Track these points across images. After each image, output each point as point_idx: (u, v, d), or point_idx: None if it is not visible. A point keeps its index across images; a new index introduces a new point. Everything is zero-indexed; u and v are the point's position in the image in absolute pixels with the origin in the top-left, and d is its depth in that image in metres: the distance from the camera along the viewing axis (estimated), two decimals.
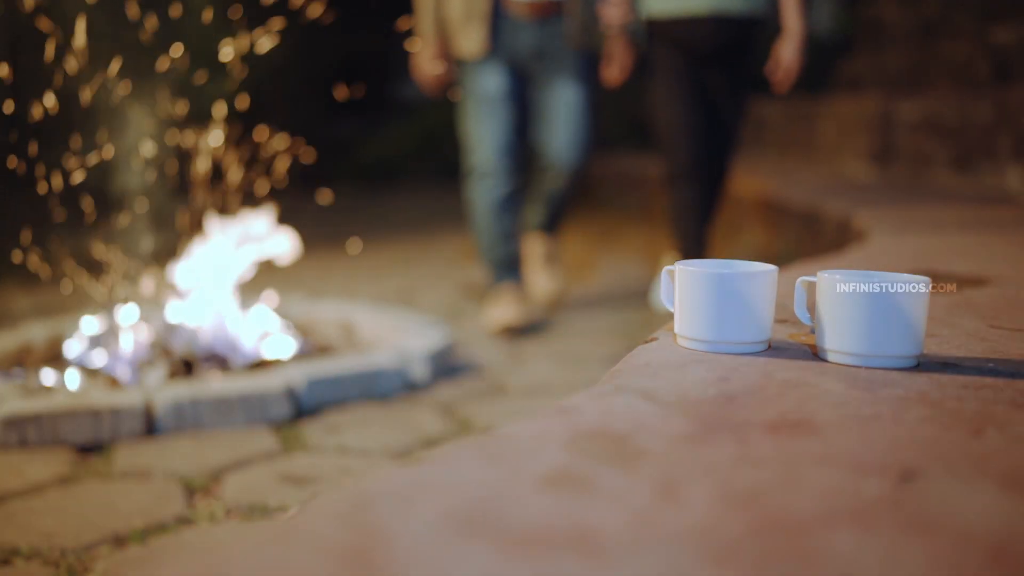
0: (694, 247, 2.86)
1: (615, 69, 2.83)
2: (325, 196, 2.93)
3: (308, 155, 2.62)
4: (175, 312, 2.25)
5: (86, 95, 2.24)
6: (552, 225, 3.17)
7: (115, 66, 2.19)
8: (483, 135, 2.85)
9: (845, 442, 0.69)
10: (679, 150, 2.84)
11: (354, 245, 3.11)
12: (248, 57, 2.36)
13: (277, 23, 2.34)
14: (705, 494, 0.58)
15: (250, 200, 2.42)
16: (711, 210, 2.94)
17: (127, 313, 2.24)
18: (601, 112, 2.88)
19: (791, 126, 5.48)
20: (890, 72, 4.92)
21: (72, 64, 2.16)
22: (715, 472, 0.62)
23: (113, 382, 2.03)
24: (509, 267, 2.91)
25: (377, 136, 8.27)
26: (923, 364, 0.91)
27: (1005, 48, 3.80)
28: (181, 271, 2.32)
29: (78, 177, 2.26)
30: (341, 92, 2.82)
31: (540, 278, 3.13)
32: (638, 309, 3.08)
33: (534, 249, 3.16)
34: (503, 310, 2.76)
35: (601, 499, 0.57)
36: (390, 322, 2.58)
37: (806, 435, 0.70)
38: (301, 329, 2.50)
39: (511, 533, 0.52)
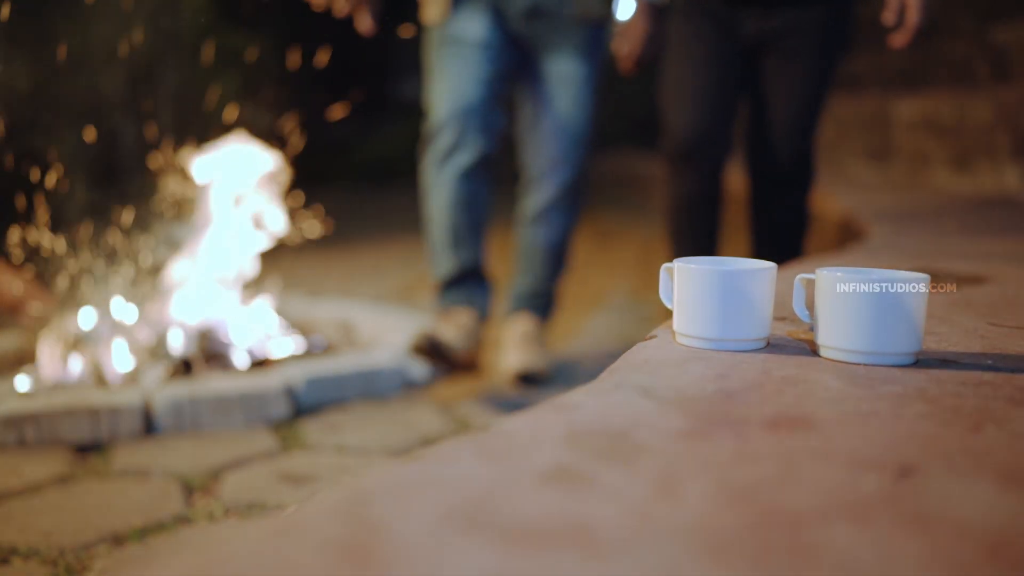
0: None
1: (630, 46, 2.10)
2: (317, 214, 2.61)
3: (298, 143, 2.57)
4: (174, 310, 2.25)
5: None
6: (542, 305, 2.32)
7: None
8: (446, 87, 2.12)
9: (843, 438, 0.69)
10: (680, 119, 2.11)
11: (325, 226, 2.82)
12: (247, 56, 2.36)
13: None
14: (703, 490, 0.58)
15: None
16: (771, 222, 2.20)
17: (126, 311, 2.24)
18: (601, 105, 2.28)
19: None
20: (889, 71, 4.92)
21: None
22: (713, 468, 0.62)
23: (104, 380, 2.03)
24: (469, 277, 2.18)
25: (376, 136, 8.27)
26: (922, 361, 0.91)
27: (1004, 48, 3.80)
28: (181, 267, 2.32)
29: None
30: (335, 109, 2.73)
31: (511, 353, 2.23)
32: (637, 309, 3.08)
33: (513, 330, 2.29)
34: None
35: (599, 495, 0.57)
36: (389, 321, 2.58)
37: (804, 431, 0.70)
38: (300, 328, 2.50)
39: (509, 529, 0.52)
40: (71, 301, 2.30)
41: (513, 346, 2.23)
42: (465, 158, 2.10)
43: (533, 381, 2.14)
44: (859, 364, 0.90)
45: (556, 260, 2.31)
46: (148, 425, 1.86)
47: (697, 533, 0.52)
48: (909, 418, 0.73)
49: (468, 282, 2.19)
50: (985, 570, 0.49)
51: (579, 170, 2.24)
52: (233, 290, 2.33)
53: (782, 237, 2.18)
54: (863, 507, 0.56)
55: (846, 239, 2.77)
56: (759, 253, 2.10)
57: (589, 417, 0.73)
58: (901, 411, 0.75)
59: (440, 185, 2.12)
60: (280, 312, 2.43)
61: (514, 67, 2.20)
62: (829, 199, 3.41)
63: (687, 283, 0.96)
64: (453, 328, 2.09)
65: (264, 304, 2.38)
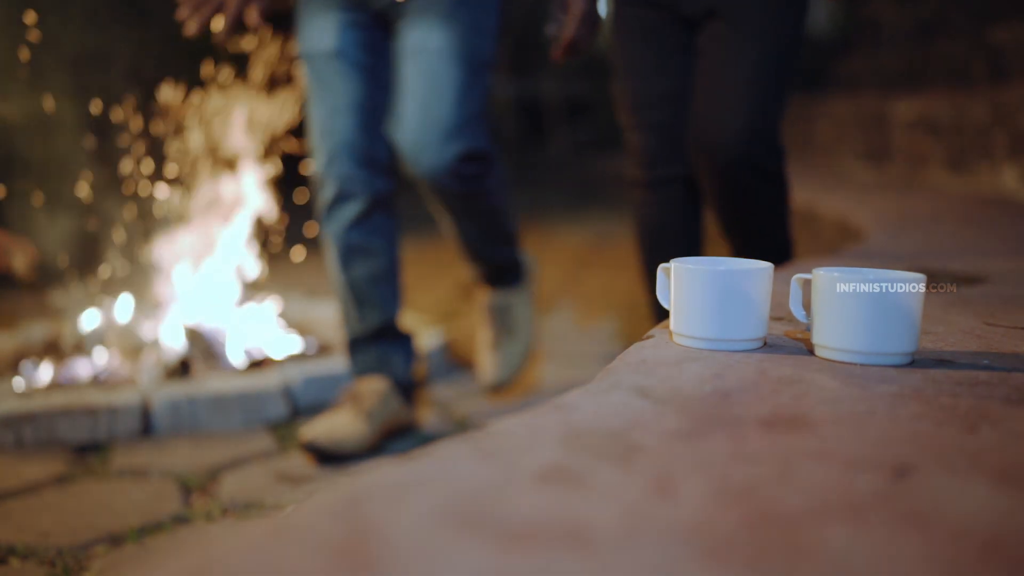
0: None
1: (560, 28, 1.67)
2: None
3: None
4: (172, 311, 2.25)
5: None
6: (491, 273, 2.07)
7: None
8: (315, 125, 1.81)
9: (839, 438, 0.69)
10: (641, 136, 1.80)
11: (299, 253, 2.75)
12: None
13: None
14: (699, 490, 0.58)
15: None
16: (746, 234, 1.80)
17: (124, 311, 2.24)
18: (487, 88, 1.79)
19: (788, 125, 5.47)
20: (886, 72, 4.93)
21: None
22: (709, 468, 0.62)
23: (105, 381, 2.03)
24: (379, 337, 1.88)
25: None
26: (918, 361, 0.91)
27: (1001, 48, 3.81)
28: (180, 269, 2.32)
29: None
30: None
31: (485, 358, 2.07)
32: (636, 309, 3.08)
33: (480, 307, 2.14)
34: (323, 420, 1.77)
35: (595, 495, 0.58)
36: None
37: (800, 431, 0.70)
38: (299, 328, 2.50)
39: (505, 529, 0.52)
40: (70, 302, 2.30)
41: (484, 353, 2.07)
42: (352, 209, 1.80)
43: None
44: (855, 364, 0.90)
45: (484, 238, 1.97)
46: (146, 425, 1.86)
47: (693, 533, 0.52)
48: (905, 418, 0.74)
49: (379, 344, 1.87)
50: (981, 570, 0.49)
51: (444, 167, 1.71)
52: (231, 290, 2.33)
53: (752, 231, 1.79)
54: (859, 507, 0.56)
55: (843, 239, 2.77)
56: (736, 252, 1.82)
57: (585, 417, 0.73)
58: (897, 411, 0.75)
59: (331, 242, 1.84)
60: (278, 312, 2.43)
61: (388, 59, 1.80)
62: (826, 199, 3.42)
63: (684, 283, 0.96)
64: (348, 417, 1.74)
65: (262, 304, 2.38)
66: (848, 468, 0.62)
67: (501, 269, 2.06)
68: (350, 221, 1.81)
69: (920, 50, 4.60)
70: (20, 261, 2.31)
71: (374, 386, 1.83)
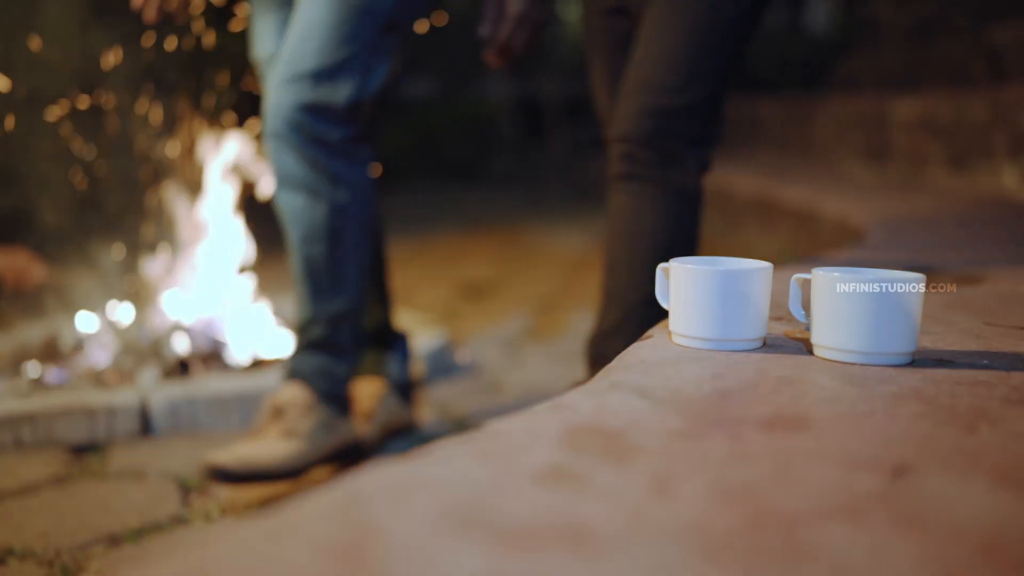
0: (633, 311, 1.45)
1: (492, 29, 1.56)
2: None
3: None
4: (171, 311, 2.25)
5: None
6: (304, 340, 1.63)
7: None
8: None
9: (838, 438, 0.69)
10: (606, 127, 1.61)
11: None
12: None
13: None
14: (698, 490, 0.58)
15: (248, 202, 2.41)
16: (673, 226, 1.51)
17: (123, 312, 2.24)
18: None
19: (787, 125, 5.49)
20: (886, 71, 4.93)
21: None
22: (708, 468, 0.62)
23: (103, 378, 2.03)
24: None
25: (374, 135, 8.26)
26: (918, 361, 0.91)
27: (1001, 47, 3.81)
28: (179, 269, 2.32)
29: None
30: None
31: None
32: None
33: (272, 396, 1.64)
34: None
35: (594, 495, 0.57)
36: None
37: (800, 431, 0.70)
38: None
39: (504, 529, 0.52)
40: (69, 302, 2.30)
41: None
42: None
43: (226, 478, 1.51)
44: (855, 364, 0.90)
45: (315, 261, 1.61)
46: (145, 425, 1.86)
47: (692, 533, 0.52)
48: (904, 418, 0.74)
49: (373, 346, 1.81)
50: (979, 570, 0.49)
51: (283, 113, 1.53)
52: (230, 290, 2.33)
53: (654, 232, 1.49)
54: (858, 507, 0.56)
55: (843, 239, 2.77)
56: (611, 258, 1.52)
57: (584, 417, 0.73)
58: (896, 411, 0.75)
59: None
60: (276, 312, 2.43)
61: None
62: (826, 199, 3.42)
63: (683, 283, 0.96)
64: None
65: (261, 304, 2.38)
66: (847, 468, 0.62)
67: (322, 342, 1.60)
68: None
69: (920, 50, 4.61)
70: (35, 280, 2.32)
71: (372, 389, 1.83)
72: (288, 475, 1.52)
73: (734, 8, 1.48)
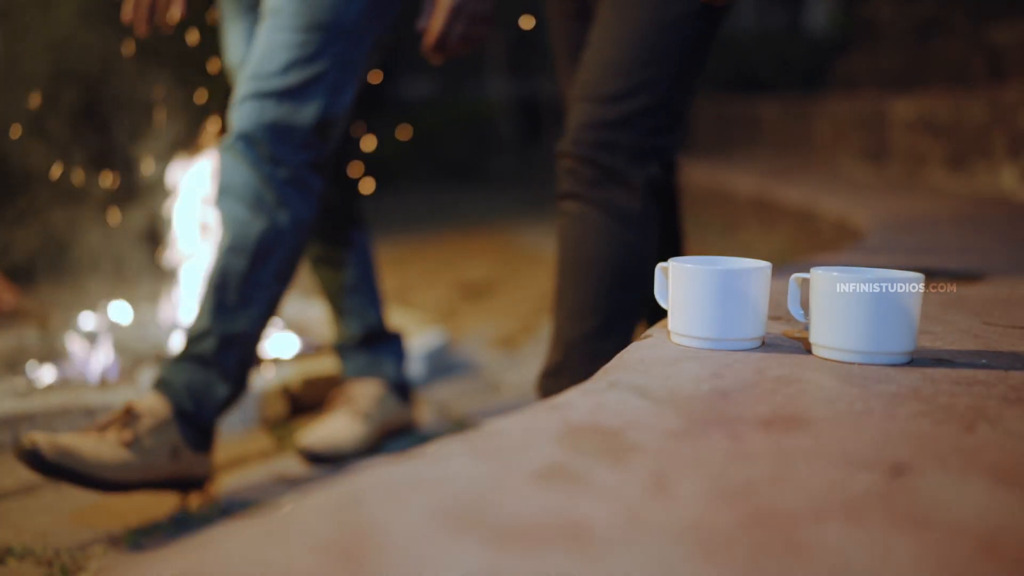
0: (583, 340, 1.36)
1: (428, 23, 1.53)
2: None
3: None
4: (170, 311, 2.25)
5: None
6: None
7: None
8: None
9: (837, 437, 0.69)
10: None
11: None
12: None
13: None
14: (696, 489, 0.58)
15: None
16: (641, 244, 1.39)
17: (122, 311, 2.24)
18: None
19: (786, 125, 5.49)
20: (886, 71, 4.93)
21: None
22: (706, 467, 0.62)
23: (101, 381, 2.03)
24: (359, 353, 1.90)
25: (374, 136, 8.27)
26: (916, 360, 0.91)
27: (1000, 47, 3.81)
28: (180, 269, 2.32)
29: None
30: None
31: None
32: None
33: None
34: (320, 424, 1.78)
35: (592, 494, 0.57)
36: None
37: (798, 430, 0.70)
38: (298, 328, 2.50)
39: (502, 528, 0.52)
40: (68, 301, 2.29)
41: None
42: None
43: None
44: (853, 363, 0.90)
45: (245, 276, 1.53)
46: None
47: (690, 533, 0.52)
48: (903, 417, 0.74)
49: (369, 348, 1.87)
50: (978, 569, 0.49)
51: (244, 130, 1.50)
52: None
53: (596, 260, 1.37)
54: (856, 506, 0.56)
55: (842, 239, 2.77)
56: (557, 287, 1.41)
57: (582, 416, 0.73)
58: (895, 410, 0.75)
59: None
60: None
61: None
62: (825, 199, 3.42)
63: (682, 282, 0.96)
64: (345, 420, 1.69)
65: None
66: (845, 467, 0.62)
67: (208, 358, 1.50)
68: None
69: (919, 50, 4.61)
70: (15, 303, 2.32)
71: (369, 389, 1.83)
72: (105, 485, 1.37)
73: (683, 6, 1.34)
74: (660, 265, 1.03)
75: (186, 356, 1.49)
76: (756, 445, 0.67)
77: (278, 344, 2.26)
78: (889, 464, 0.62)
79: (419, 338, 2.35)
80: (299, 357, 2.25)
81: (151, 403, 1.45)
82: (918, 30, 4.77)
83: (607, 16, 1.39)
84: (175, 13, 1.52)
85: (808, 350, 0.95)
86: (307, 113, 1.49)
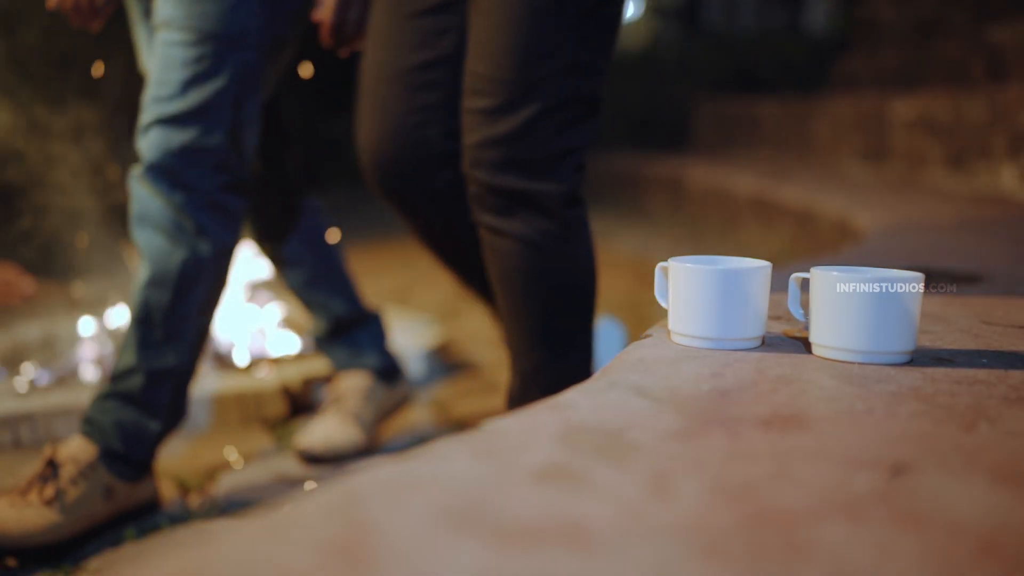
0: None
1: (325, 11, 1.46)
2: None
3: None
4: None
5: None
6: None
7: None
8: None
9: (837, 437, 0.69)
10: (364, 125, 1.39)
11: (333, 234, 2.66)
12: None
13: None
14: (697, 489, 0.58)
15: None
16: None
17: (121, 314, 2.24)
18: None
19: (786, 125, 5.49)
20: (885, 71, 4.93)
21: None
22: (707, 467, 0.62)
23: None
24: (337, 344, 1.92)
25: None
26: (916, 360, 0.91)
27: (1000, 47, 3.81)
28: None
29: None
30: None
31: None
32: (636, 309, 3.08)
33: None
34: (315, 426, 1.76)
35: (592, 494, 0.57)
36: (385, 321, 2.58)
37: (798, 430, 0.70)
38: (298, 328, 2.50)
39: (502, 527, 0.52)
40: (67, 299, 2.29)
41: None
42: None
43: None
44: (854, 363, 0.90)
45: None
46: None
47: (691, 532, 0.52)
48: (903, 417, 0.74)
49: (345, 338, 1.86)
50: (978, 569, 0.49)
51: (147, 158, 1.44)
52: (230, 290, 2.33)
53: (527, 297, 1.29)
54: (857, 506, 0.56)
55: (842, 239, 2.77)
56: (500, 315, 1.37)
57: (583, 416, 0.73)
58: (895, 410, 0.75)
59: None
60: (276, 311, 2.43)
61: None
62: (825, 199, 3.42)
63: (682, 282, 0.96)
64: (337, 421, 1.70)
65: (260, 303, 2.38)
66: (846, 467, 0.62)
67: (136, 395, 1.44)
68: None
69: (919, 50, 4.61)
70: (24, 294, 2.32)
71: (355, 383, 1.82)
72: (38, 552, 1.31)
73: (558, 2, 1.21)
74: (660, 265, 1.03)
75: (112, 393, 1.43)
76: (756, 445, 0.67)
77: (278, 344, 2.26)
78: (889, 464, 0.62)
79: (419, 338, 2.35)
80: (299, 357, 2.25)
81: (74, 449, 1.39)
82: (918, 30, 4.77)
83: (479, 17, 1.26)
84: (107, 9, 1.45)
85: (808, 350, 0.95)
86: (214, 134, 1.42)
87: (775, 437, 0.68)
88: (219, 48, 1.42)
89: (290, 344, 2.30)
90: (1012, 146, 3.17)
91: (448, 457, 0.64)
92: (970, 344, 0.99)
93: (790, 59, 6.50)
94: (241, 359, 2.16)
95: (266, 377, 2.01)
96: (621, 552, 0.50)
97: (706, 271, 0.95)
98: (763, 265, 0.97)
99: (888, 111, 4.13)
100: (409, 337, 2.35)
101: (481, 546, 0.50)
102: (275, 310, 2.41)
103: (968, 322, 1.10)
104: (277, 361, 2.18)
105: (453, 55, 1.32)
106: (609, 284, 3.58)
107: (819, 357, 0.93)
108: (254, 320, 2.30)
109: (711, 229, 4.41)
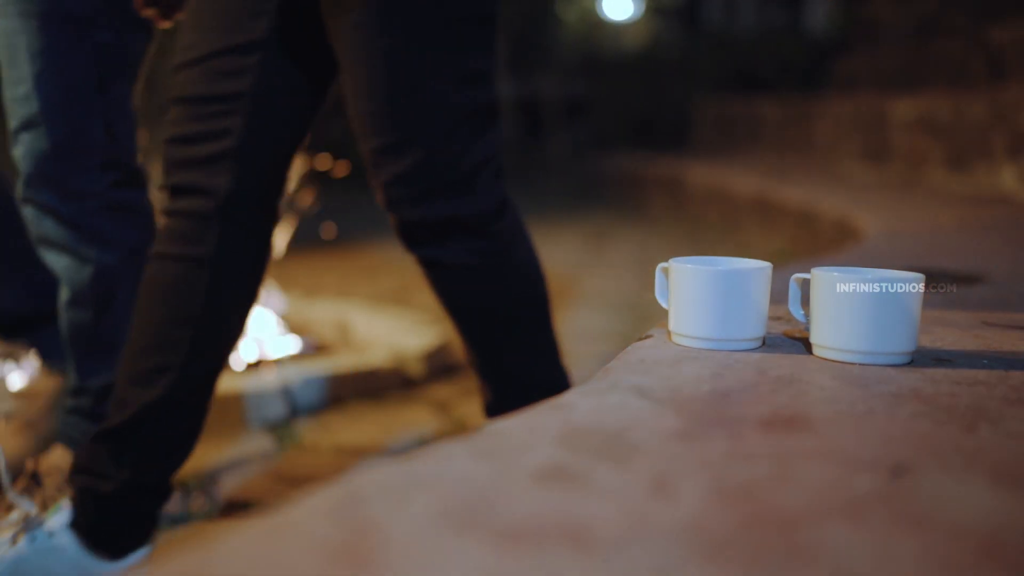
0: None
1: None
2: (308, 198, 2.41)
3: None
4: None
5: None
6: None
7: None
8: None
9: (838, 438, 0.69)
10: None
11: (329, 230, 2.63)
12: None
13: None
14: (697, 490, 0.58)
15: None
16: None
17: None
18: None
19: (787, 125, 5.49)
20: (885, 71, 4.93)
21: None
22: (707, 468, 0.62)
23: None
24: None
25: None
26: (917, 360, 0.91)
27: (1000, 47, 3.81)
28: None
29: None
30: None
31: None
32: (636, 309, 3.08)
33: None
34: None
35: (593, 494, 0.57)
36: (385, 321, 2.58)
37: (799, 431, 0.70)
38: (298, 328, 2.50)
39: (503, 528, 0.52)
40: None
41: None
42: None
43: None
44: (854, 364, 0.90)
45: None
46: None
47: (691, 533, 0.52)
48: (904, 418, 0.73)
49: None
50: (979, 570, 0.49)
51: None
52: None
53: (484, 327, 1.29)
54: (857, 507, 0.56)
55: (842, 239, 2.77)
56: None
57: (583, 417, 0.73)
58: (896, 410, 0.75)
59: None
60: (277, 312, 2.43)
61: None
62: (826, 199, 3.42)
63: (683, 283, 0.96)
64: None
65: (261, 304, 2.38)
66: (846, 468, 0.62)
67: (89, 412, 1.39)
68: None
69: (919, 50, 4.61)
70: None
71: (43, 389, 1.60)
72: None
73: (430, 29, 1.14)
74: (660, 265, 1.03)
75: (72, 409, 1.41)
76: (757, 445, 0.67)
77: (278, 344, 2.26)
78: (890, 465, 0.62)
79: (419, 338, 2.35)
80: (299, 357, 2.25)
81: (55, 458, 1.35)
82: (918, 30, 4.77)
83: (343, 33, 1.16)
84: None
85: (809, 350, 0.95)
86: (88, 130, 1.31)
87: (776, 438, 0.68)
88: (68, 32, 1.29)
89: (290, 345, 2.30)
90: (1012, 146, 3.17)
91: (449, 457, 0.64)
92: (970, 345, 0.99)
93: (790, 59, 6.51)
94: (241, 360, 2.16)
95: (266, 377, 2.01)
96: (622, 553, 0.50)
97: (707, 272, 0.95)
98: (763, 266, 0.97)
99: (888, 111, 4.13)
100: (409, 337, 2.35)
101: (482, 547, 0.50)
102: (275, 311, 2.41)
103: (968, 323, 1.10)
104: (277, 361, 2.18)
105: (267, 40, 1.18)
106: (609, 284, 3.58)
107: (819, 358, 0.93)
108: (254, 322, 2.30)
109: (711, 229, 4.41)
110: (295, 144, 1.26)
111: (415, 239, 1.23)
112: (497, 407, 1.30)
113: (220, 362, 1.26)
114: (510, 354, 1.29)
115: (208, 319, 1.21)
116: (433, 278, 1.26)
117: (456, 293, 1.26)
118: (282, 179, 1.27)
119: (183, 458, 1.27)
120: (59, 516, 1.21)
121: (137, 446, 1.20)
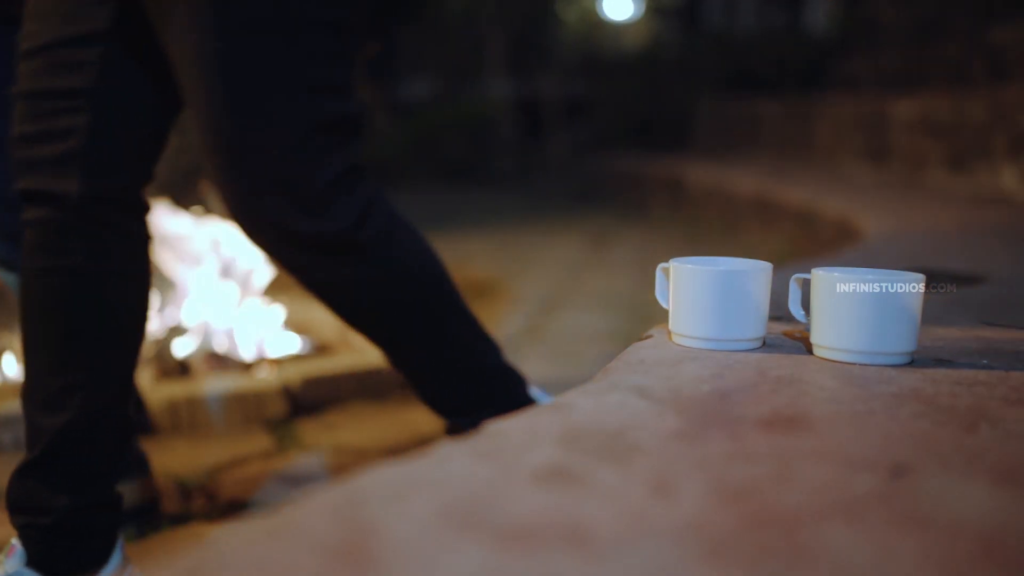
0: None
1: None
2: None
3: None
4: (171, 311, 2.25)
5: None
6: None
7: None
8: None
9: (838, 438, 0.69)
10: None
11: None
12: None
13: None
14: (698, 490, 0.58)
15: None
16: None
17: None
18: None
19: (787, 125, 5.49)
20: (886, 72, 4.93)
21: None
22: (708, 468, 0.62)
23: None
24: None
25: (375, 136, 8.28)
26: (917, 361, 0.91)
27: (1000, 48, 3.81)
28: (179, 270, 2.32)
29: None
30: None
31: None
32: (636, 309, 3.08)
33: None
34: None
35: (593, 495, 0.57)
36: None
37: (799, 431, 0.70)
38: (298, 328, 2.50)
39: (503, 528, 0.52)
40: None
41: None
42: None
43: None
44: (854, 364, 0.90)
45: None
46: (145, 425, 1.86)
47: (692, 533, 0.52)
48: (904, 418, 0.73)
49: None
50: (979, 570, 0.49)
51: None
52: (231, 290, 2.33)
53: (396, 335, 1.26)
54: (858, 507, 0.56)
55: (842, 239, 2.77)
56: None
57: (584, 417, 0.73)
58: (896, 411, 0.75)
59: None
60: (277, 312, 2.43)
61: None
62: (826, 199, 3.42)
63: (683, 283, 0.96)
64: None
65: (261, 304, 2.38)
66: (847, 468, 0.62)
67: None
68: None
69: (920, 50, 4.61)
70: None
71: None
72: None
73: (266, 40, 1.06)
74: (661, 265, 1.03)
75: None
76: (757, 446, 0.67)
77: (278, 343, 2.26)
78: (890, 465, 0.62)
79: None
80: (299, 357, 2.25)
81: None
82: (918, 30, 4.77)
83: (177, 48, 1.08)
84: None
85: (809, 350, 0.95)
86: None
87: (776, 438, 0.68)
88: None
89: (290, 345, 2.30)
90: (1013, 146, 3.17)
91: (449, 458, 0.64)
92: (971, 345, 0.99)
93: (790, 59, 6.51)
94: (242, 360, 2.17)
95: (266, 377, 2.01)
96: (622, 553, 0.50)
97: (707, 272, 0.95)
98: (764, 266, 0.97)
99: (889, 111, 4.13)
100: None
101: (482, 547, 0.50)
102: (275, 311, 2.41)
103: (969, 323, 1.10)
104: (277, 361, 2.18)
105: (109, 31, 1.08)
106: (610, 284, 3.58)
107: (820, 358, 0.93)
108: (255, 321, 2.30)
109: (712, 229, 4.41)
110: (156, 140, 1.16)
111: (278, 257, 1.15)
112: (444, 405, 1.26)
113: (130, 366, 1.18)
114: (423, 348, 1.22)
115: (102, 327, 1.12)
116: (315, 293, 1.20)
117: (343, 305, 1.20)
118: (145, 172, 1.16)
119: (121, 467, 1.20)
120: (11, 560, 1.12)
121: (65, 471, 1.12)
